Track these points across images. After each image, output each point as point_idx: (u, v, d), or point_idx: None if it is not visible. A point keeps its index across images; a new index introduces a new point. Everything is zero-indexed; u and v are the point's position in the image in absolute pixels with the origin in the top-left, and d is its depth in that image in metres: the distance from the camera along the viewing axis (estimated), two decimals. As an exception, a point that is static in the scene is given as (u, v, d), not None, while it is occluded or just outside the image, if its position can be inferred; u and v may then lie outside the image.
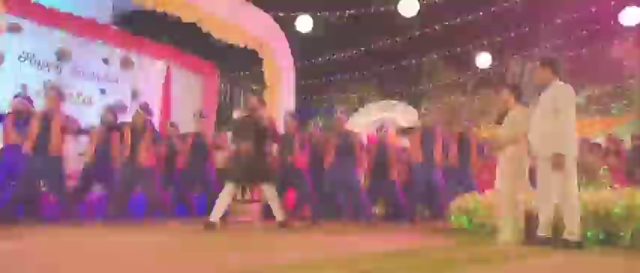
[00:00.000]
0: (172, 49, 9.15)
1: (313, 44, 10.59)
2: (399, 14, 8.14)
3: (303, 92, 11.36)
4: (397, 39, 10.59)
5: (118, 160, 5.57)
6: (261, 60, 9.22)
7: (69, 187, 5.55)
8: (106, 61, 8.05)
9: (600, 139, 8.36)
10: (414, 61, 13.04)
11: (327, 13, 9.45)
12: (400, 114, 11.63)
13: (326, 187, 5.94)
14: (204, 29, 7.98)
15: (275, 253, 3.31)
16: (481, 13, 9.44)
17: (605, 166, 6.01)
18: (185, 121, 7.25)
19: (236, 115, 8.47)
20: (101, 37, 7.96)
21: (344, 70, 13.07)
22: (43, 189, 5.47)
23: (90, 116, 6.97)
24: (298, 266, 2.67)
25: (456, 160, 6.32)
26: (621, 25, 8.42)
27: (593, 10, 9.04)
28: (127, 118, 6.68)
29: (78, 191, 5.65)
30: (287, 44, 9.40)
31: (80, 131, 5.63)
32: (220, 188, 5.08)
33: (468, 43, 10.94)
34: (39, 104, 5.64)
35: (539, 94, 3.68)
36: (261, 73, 9.46)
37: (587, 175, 4.85)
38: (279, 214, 5.01)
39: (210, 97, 9.83)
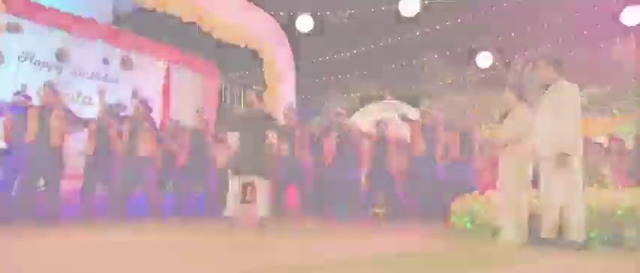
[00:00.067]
0: (172, 49, 9.12)
1: (313, 44, 10.56)
2: (400, 14, 8.11)
3: (303, 92, 11.33)
4: (399, 38, 10.55)
5: (118, 151, 5.56)
6: (261, 60, 9.20)
7: (70, 188, 5.53)
8: (105, 61, 8.03)
9: (601, 139, 8.34)
10: (414, 61, 13.02)
11: (328, 12, 9.42)
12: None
13: (326, 185, 5.91)
14: (205, 29, 7.96)
15: (275, 254, 3.28)
16: (483, 13, 9.41)
17: (608, 166, 5.99)
18: (185, 122, 7.22)
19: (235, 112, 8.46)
20: (101, 37, 7.94)
21: (344, 70, 13.04)
22: (42, 188, 5.44)
23: (90, 116, 6.94)
24: (299, 268, 2.65)
25: (458, 156, 6.23)
26: (622, 25, 8.38)
27: (595, 8, 9.01)
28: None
29: (84, 190, 5.66)
30: (287, 44, 9.38)
31: (79, 121, 5.61)
32: (220, 189, 5.05)
33: (468, 43, 10.90)
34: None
35: (544, 93, 3.64)
36: (261, 73, 9.45)
37: (590, 174, 4.81)
38: (262, 210, 4.82)
39: (211, 97, 9.80)
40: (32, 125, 5.03)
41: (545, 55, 3.83)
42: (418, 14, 8.08)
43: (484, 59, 10.45)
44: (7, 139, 5.38)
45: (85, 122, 5.82)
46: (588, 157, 5.94)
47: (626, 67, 11.85)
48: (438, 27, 10.02)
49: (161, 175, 6.75)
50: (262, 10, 8.83)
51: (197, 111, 6.71)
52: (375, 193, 6.57)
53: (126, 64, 8.31)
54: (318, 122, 6.80)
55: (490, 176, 6.83)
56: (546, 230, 3.58)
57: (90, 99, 7.68)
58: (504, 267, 2.85)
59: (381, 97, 13.64)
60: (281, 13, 9.16)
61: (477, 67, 11.43)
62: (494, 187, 5.34)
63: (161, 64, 8.90)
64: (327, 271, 2.55)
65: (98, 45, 7.91)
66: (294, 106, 6.48)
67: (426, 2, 8.22)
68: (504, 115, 4.13)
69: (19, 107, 5.36)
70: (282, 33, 9.23)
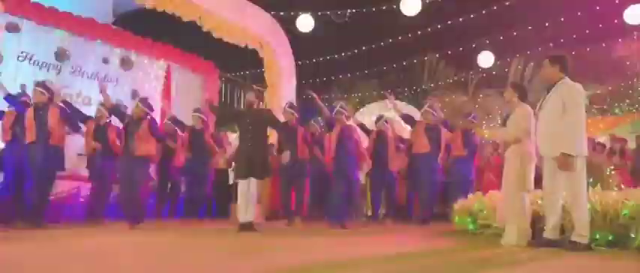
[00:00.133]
0: (172, 49, 9.10)
1: (314, 44, 10.53)
2: (401, 13, 8.08)
3: (303, 92, 11.30)
4: (399, 38, 10.52)
5: (118, 149, 5.55)
6: (261, 60, 9.17)
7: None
8: (105, 60, 8.00)
9: (603, 139, 8.31)
10: (415, 61, 12.99)
11: (328, 12, 9.39)
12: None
13: (327, 184, 5.88)
14: (205, 28, 7.93)
15: (276, 256, 3.25)
16: (483, 12, 9.37)
17: (612, 166, 5.95)
18: (185, 122, 7.19)
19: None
20: (101, 36, 7.90)
21: (345, 70, 13.01)
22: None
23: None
24: (299, 268, 2.62)
25: (462, 154, 6.17)
26: (625, 24, 8.34)
27: (597, 8, 8.97)
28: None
29: (98, 193, 5.69)
30: (288, 44, 9.35)
31: (76, 114, 5.57)
32: (220, 188, 5.04)
33: (470, 42, 10.87)
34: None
35: (547, 93, 3.59)
36: (262, 73, 9.41)
37: (593, 175, 4.76)
38: (250, 215, 4.78)
39: (211, 98, 9.75)
40: (29, 126, 5.00)
41: (550, 53, 3.75)
42: (418, 14, 8.06)
43: (485, 59, 10.41)
44: (5, 139, 5.35)
45: (84, 117, 5.79)
46: (591, 157, 5.91)
47: (629, 66, 11.81)
48: (439, 26, 9.97)
49: (160, 176, 6.75)
50: (262, 10, 8.80)
51: (195, 111, 6.67)
52: (375, 192, 6.54)
53: (126, 63, 8.28)
54: (318, 121, 6.78)
55: (491, 176, 6.81)
56: (550, 231, 3.54)
57: (90, 99, 7.65)
58: (507, 268, 2.81)
59: (381, 97, 13.61)
60: (281, 13, 9.13)
61: (478, 67, 11.39)
62: (496, 187, 5.30)
63: (161, 64, 8.87)
64: (327, 272, 2.52)
65: (98, 45, 7.88)
66: (294, 104, 6.43)
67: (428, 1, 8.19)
68: (507, 117, 4.09)
69: (20, 104, 5.32)
70: (283, 32, 9.19)
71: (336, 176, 5.59)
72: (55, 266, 2.67)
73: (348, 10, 9.43)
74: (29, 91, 5.76)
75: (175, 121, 6.58)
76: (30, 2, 6.97)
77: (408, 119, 6.45)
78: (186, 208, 6.53)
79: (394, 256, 3.14)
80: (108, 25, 8.57)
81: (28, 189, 4.95)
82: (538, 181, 3.80)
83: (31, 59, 6.99)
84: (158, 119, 7.89)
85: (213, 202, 7.32)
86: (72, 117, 5.42)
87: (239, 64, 11.33)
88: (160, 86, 8.79)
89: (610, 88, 11.96)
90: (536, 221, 3.83)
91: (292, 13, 8.90)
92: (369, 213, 7.09)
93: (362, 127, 6.44)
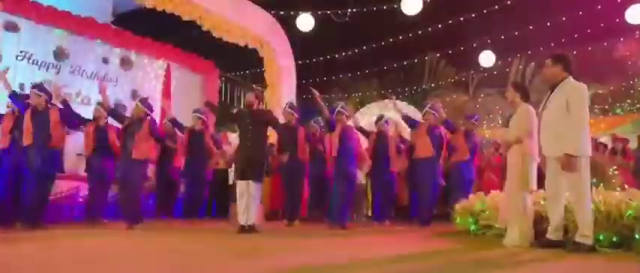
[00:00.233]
0: (172, 49, 9.08)
1: (314, 44, 10.50)
2: (402, 12, 8.05)
3: (303, 92, 11.28)
4: (400, 37, 10.48)
5: (117, 150, 5.51)
6: (261, 59, 9.14)
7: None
8: (105, 60, 7.97)
9: (604, 139, 8.28)
10: (416, 60, 12.96)
11: (328, 11, 9.36)
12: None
13: (327, 184, 5.85)
14: (205, 28, 7.91)
15: (276, 256, 3.21)
16: (484, 11, 9.34)
17: (614, 166, 5.92)
18: (185, 122, 7.16)
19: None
20: (100, 36, 7.87)
21: (345, 70, 12.98)
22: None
23: (89, 116, 6.87)
24: (299, 270, 2.59)
25: (464, 158, 6.11)
26: (626, 24, 8.30)
27: (599, 7, 8.94)
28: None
29: (96, 193, 5.65)
30: (288, 43, 9.32)
31: (75, 115, 5.53)
32: (219, 188, 5.02)
33: (470, 42, 10.84)
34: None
35: (551, 92, 3.55)
36: (262, 72, 9.39)
37: (596, 175, 4.73)
38: (251, 218, 4.72)
39: (211, 97, 9.73)
40: (27, 128, 4.95)
41: (549, 53, 3.71)
42: (419, 13, 8.03)
43: (486, 58, 10.37)
44: (3, 142, 5.29)
45: (83, 120, 5.75)
46: (594, 157, 5.88)
47: (630, 66, 11.76)
48: (440, 25, 9.94)
49: (160, 176, 6.71)
50: (262, 10, 8.77)
51: (194, 112, 6.64)
52: (376, 193, 6.50)
53: (125, 63, 8.26)
54: (318, 122, 6.74)
55: (492, 176, 6.78)
56: (553, 232, 3.51)
57: (89, 99, 7.62)
58: (509, 269, 2.77)
59: (382, 97, 13.58)
60: (281, 13, 9.10)
61: (479, 67, 11.35)
62: (497, 187, 5.27)
63: (161, 64, 8.84)
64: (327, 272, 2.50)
65: (97, 44, 7.85)
66: (294, 104, 6.40)
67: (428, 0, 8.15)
68: (509, 117, 4.06)
69: (22, 104, 5.28)
70: (283, 32, 9.16)
71: (337, 177, 5.54)
72: (55, 267, 2.64)
73: (349, 10, 9.40)
74: (28, 91, 5.75)
75: (174, 123, 6.55)
76: (29, 1, 6.94)
77: (408, 120, 6.41)
78: (186, 209, 6.50)
79: (395, 257, 3.11)
80: (107, 25, 8.54)
81: (25, 192, 4.90)
82: (541, 181, 3.77)
83: (30, 58, 6.96)
84: (158, 119, 7.89)
85: (213, 202, 7.30)
86: (70, 116, 5.37)
87: (239, 64, 11.31)
88: (159, 86, 8.77)
89: (611, 87, 11.91)
90: (539, 222, 3.79)
91: (292, 13, 8.87)
92: (369, 213, 7.06)
93: (361, 130, 6.39)
